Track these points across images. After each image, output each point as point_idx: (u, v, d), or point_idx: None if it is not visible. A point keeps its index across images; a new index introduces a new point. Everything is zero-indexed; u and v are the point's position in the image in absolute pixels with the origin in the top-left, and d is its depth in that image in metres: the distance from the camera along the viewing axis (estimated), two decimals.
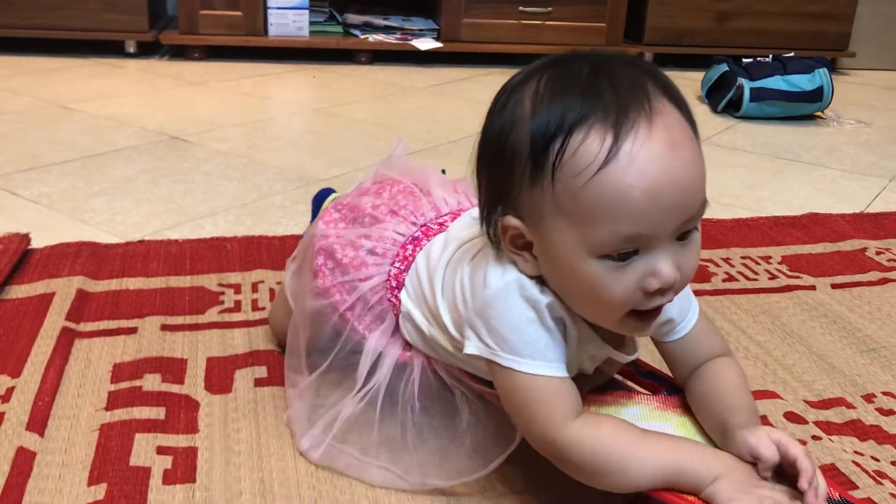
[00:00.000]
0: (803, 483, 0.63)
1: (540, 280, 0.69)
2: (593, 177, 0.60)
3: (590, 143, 0.61)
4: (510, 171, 0.65)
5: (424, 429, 0.79)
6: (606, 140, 0.60)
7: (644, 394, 0.81)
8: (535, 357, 0.68)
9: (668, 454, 0.67)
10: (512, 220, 0.66)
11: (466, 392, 0.79)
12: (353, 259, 0.83)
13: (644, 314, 0.66)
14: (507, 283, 0.68)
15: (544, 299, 0.68)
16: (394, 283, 0.82)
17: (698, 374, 0.76)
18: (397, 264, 0.82)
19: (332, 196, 1.15)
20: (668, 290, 0.64)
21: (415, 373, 0.80)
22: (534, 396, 0.68)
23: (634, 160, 0.60)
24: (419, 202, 0.87)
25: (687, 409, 0.78)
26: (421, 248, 0.82)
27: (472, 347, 0.70)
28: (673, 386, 0.81)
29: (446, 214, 0.87)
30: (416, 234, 0.84)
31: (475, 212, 0.82)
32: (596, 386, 0.79)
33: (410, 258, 0.82)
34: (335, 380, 0.83)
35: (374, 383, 0.80)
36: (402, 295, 0.81)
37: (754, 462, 0.66)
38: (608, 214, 0.61)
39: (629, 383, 0.82)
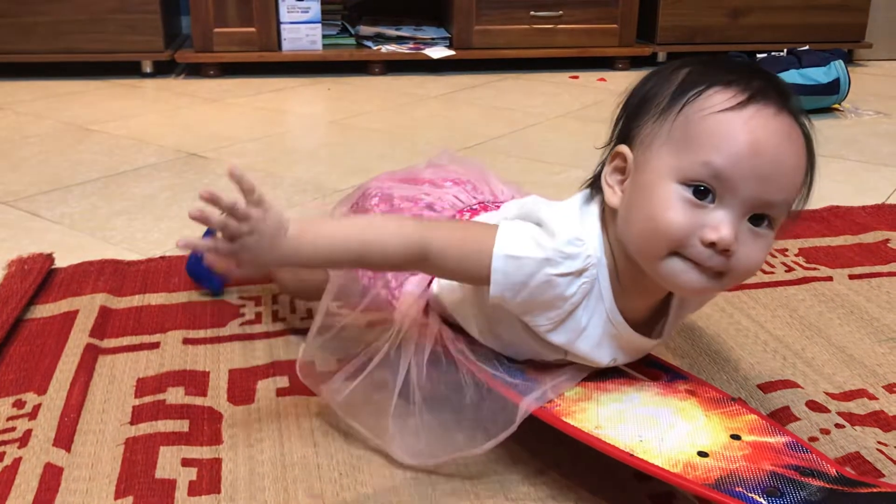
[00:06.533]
0: None
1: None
2: (714, 114, 0.67)
3: (724, 92, 0.68)
4: (643, 112, 0.73)
5: (427, 398, 0.80)
6: (739, 96, 0.67)
7: (645, 381, 0.82)
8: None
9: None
10: (624, 148, 0.73)
11: (472, 369, 0.80)
12: (411, 209, 0.84)
13: (688, 265, 0.67)
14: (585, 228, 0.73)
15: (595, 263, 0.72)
16: None
17: None
18: None
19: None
20: (720, 253, 0.66)
21: (426, 340, 0.81)
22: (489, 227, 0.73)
23: (752, 118, 0.66)
24: (480, 185, 0.90)
25: (687, 394, 0.79)
26: (478, 216, 0.84)
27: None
28: (675, 373, 0.83)
29: (503, 201, 0.88)
30: (474, 206, 0.86)
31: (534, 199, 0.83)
32: (595, 372, 0.80)
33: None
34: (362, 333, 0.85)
35: (402, 326, 0.81)
36: None
37: None
38: (710, 145, 0.66)
39: (631, 371, 0.84)
